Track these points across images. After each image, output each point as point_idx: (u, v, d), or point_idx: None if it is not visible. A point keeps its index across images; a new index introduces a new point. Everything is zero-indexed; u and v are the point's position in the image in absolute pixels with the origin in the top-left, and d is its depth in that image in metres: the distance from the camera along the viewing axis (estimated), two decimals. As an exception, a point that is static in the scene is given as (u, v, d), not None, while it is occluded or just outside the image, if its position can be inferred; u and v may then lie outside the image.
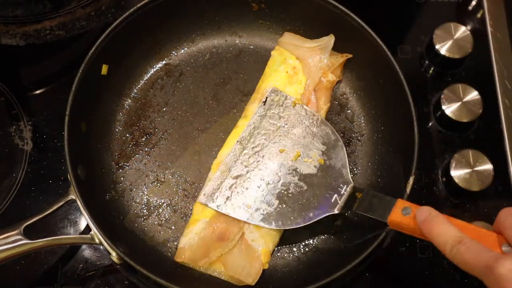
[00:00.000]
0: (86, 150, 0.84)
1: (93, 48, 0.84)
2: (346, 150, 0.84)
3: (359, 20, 0.88)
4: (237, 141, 0.85)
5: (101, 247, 0.76)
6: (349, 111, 0.93)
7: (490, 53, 1.00)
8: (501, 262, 0.53)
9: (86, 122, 0.85)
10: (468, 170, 0.87)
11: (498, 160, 0.90)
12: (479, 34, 1.01)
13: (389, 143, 0.88)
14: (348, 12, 0.89)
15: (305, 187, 0.80)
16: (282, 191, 0.80)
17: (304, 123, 0.85)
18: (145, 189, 0.86)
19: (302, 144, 0.84)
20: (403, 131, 0.83)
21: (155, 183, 0.86)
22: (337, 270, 0.73)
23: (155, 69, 0.95)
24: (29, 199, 0.87)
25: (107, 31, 0.85)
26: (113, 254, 0.74)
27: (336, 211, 0.77)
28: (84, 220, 0.80)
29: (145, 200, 0.85)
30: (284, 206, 0.79)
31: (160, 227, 0.83)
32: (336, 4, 0.89)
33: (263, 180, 0.82)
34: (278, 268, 0.82)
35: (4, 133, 0.91)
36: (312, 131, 0.85)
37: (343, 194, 0.78)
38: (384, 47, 0.87)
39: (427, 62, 1.00)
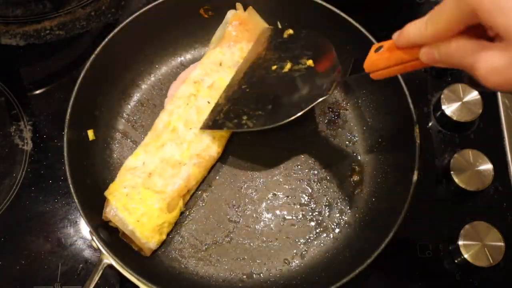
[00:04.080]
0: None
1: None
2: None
3: (351, 20, 0.89)
4: (238, 74, 0.89)
5: (101, 248, 0.76)
6: (346, 116, 0.93)
7: (490, 53, 1.00)
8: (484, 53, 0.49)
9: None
10: (468, 170, 0.87)
11: (498, 160, 0.90)
12: (479, 34, 1.00)
13: (390, 144, 0.88)
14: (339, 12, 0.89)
15: (298, 86, 0.82)
16: (276, 95, 0.82)
17: (294, 42, 0.89)
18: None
19: (292, 56, 0.86)
20: (403, 132, 0.84)
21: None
22: (342, 277, 0.74)
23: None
24: (29, 199, 0.87)
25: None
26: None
27: (326, 95, 0.76)
28: (83, 221, 0.80)
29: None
30: (277, 107, 0.81)
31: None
32: (327, 5, 0.90)
33: (258, 95, 0.85)
34: (276, 275, 0.82)
35: (4, 133, 0.91)
36: (300, 43, 0.87)
37: (332, 78, 0.77)
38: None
39: (427, 62, 0.99)
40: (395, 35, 0.60)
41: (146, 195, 0.80)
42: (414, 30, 0.57)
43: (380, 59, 0.64)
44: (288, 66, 0.85)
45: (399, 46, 0.60)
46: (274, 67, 0.87)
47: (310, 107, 0.77)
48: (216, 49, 0.92)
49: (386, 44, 0.64)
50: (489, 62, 0.48)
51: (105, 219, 0.79)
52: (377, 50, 0.65)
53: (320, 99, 0.76)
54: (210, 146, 0.85)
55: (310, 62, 0.84)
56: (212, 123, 0.84)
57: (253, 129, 0.81)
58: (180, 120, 0.85)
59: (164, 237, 0.81)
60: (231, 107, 0.85)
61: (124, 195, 0.79)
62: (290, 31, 0.90)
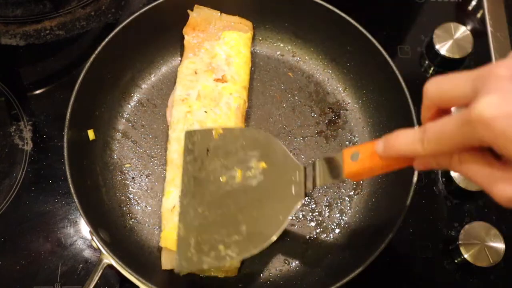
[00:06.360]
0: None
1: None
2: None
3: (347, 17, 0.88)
4: (183, 196, 0.77)
5: (101, 248, 0.76)
6: (346, 116, 0.93)
7: (490, 53, 1.00)
8: (473, 106, 0.44)
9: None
10: (468, 170, 0.87)
11: (498, 160, 0.90)
12: (479, 34, 1.01)
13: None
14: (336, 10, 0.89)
15: (263, 196, 0.73)
16: (245, 215, 0.73)
17: (230, 143, 0.77)
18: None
19: (237, 161, 0.76)
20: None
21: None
22: (342, 277, 0.74)
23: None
24: (29, 199, 0.87)
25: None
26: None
27: (301, 200, 0.70)
28: (83, 221, 0.80)
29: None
30: (252, 226, 0.72)
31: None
32: (327, 4, 0.89)
33: (223, 218, 0.74)
34: (275, 276, 0.82)
35: (4, 133, 0.91)
36: (239, 144, 0.77)
37: (299, 180, 0.71)
38: (380, 47, 0.86)
39: (427, 62, 1.00)
40: (380, 146, 0.55)
41: None
42: (406, 145, 0.52)
43: (363, 169, 0.59)
44: (239, 174, 0.75)
45: (385, 158, 0.56)
46: (223, 179, 0.75)
47: (289, 217, 0.70)
48: (184, 62, 0.91)
49: (362, 150, 0.59)
50: (505, 192, 0.48)
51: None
52: (353, 157, 0.60)
53: (298, 206, 0.70)
54: None
55: (263, 165, 0.74)
56: (188, 263, 0.72)
57: (238, 258, 0.74)
58: None
59: None
60: (199, 238, 0.73)
61: None
62: (220, 130, 0.78)
